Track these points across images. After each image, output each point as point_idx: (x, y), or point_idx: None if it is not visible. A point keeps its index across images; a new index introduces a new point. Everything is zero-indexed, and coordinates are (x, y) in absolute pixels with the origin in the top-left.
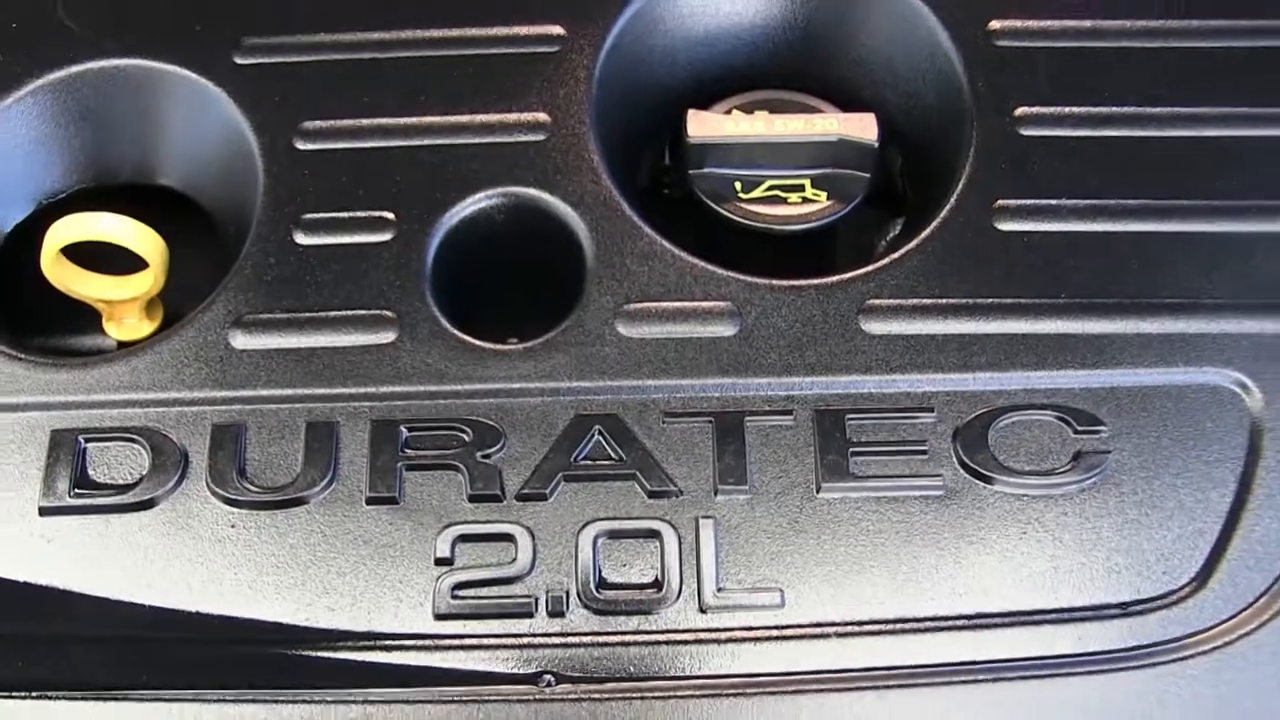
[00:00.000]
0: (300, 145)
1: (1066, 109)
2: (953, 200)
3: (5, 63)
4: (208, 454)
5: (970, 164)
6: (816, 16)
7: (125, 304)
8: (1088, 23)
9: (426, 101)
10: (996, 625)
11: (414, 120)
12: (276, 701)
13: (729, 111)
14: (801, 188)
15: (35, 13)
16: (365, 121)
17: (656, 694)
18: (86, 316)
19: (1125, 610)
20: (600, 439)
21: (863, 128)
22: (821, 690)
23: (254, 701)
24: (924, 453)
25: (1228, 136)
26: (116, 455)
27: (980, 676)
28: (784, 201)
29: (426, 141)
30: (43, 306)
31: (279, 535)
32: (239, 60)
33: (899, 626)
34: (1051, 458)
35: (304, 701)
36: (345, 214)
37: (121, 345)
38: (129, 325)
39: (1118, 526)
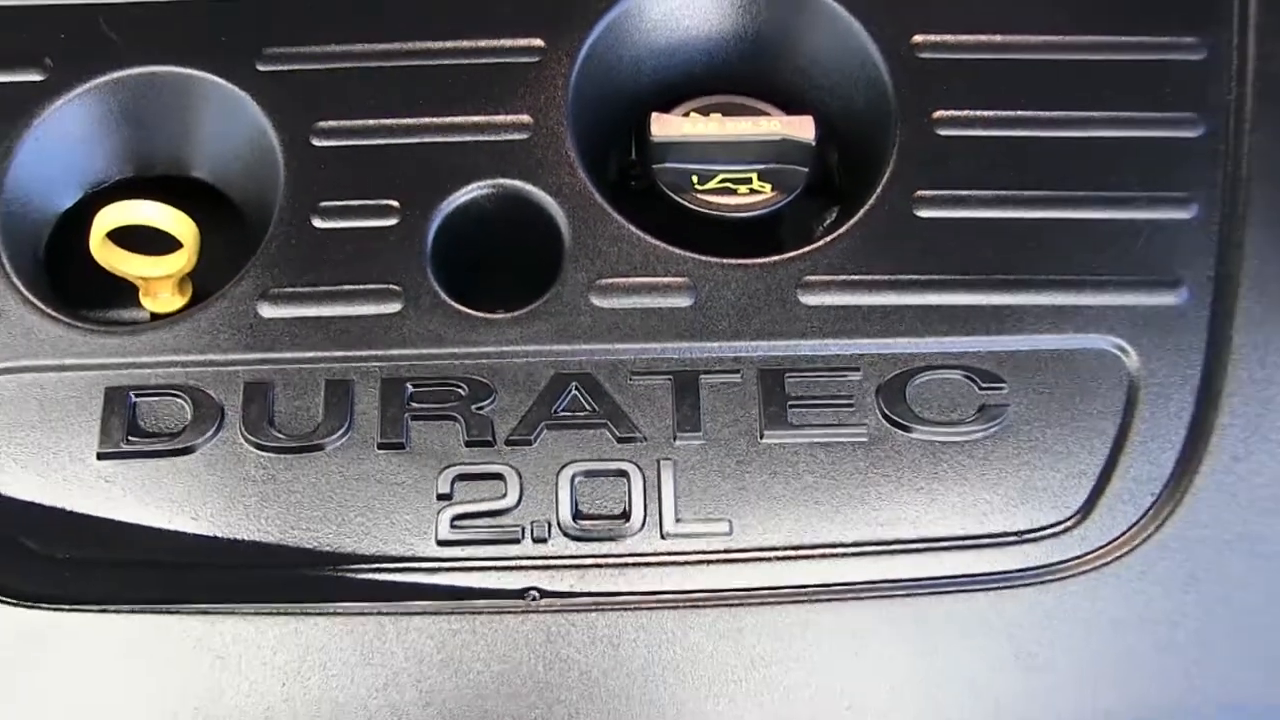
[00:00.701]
0: (316, 142)
1: (978, 113)
2: (879, 191)
3: (56, 69)
4: (241, 407)
5: (894, 160)
6: (764, 31)
7: (161, 280)
8: (998, 38)
9: (425, 104)
10: (912, 550)
11: (414, 120)
12: (304, 615)
13: (687, 114)
14: (749, 180)
15: (82, 25)
16: (372, 121)
17: (624, 606)
18: (125, 291)
19: (1021, 538)
20: (577, 394)
21: (802, 128)
22: (763, 604)
23: (284, 614)
24: (851, 405)
25: (1113, 137)
26: (162, 408)
27: (898, 592)
28: (734, 192)
29: (425, 139)
30: (85, 280)
31: (303, 475)
32: (261, 68)
33: (829, 551)
34: (959, 410)
35: (328, 614)
36: (356, 201)
37: (154, 317)
38: (163, 299)
39: (1015, 468)
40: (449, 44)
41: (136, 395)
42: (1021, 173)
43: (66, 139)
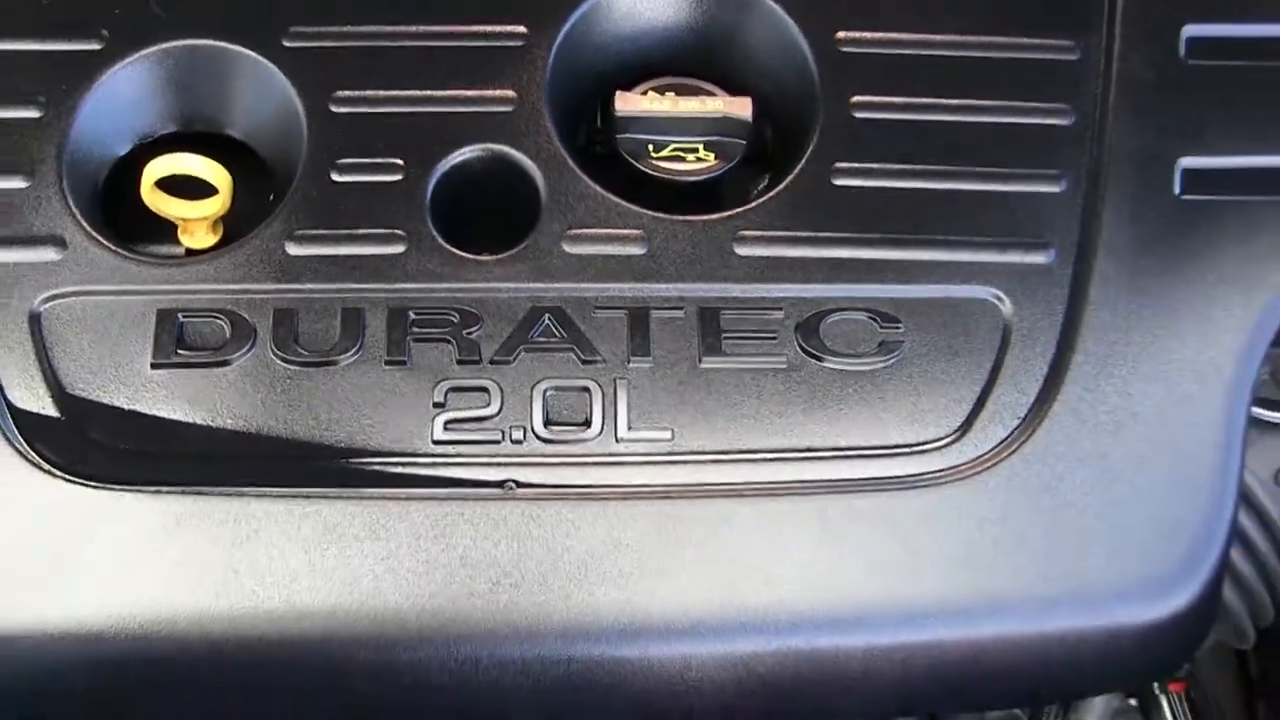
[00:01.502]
0: (334, 109)
1: (888, 98)
2: (803, 162)
3: (111, 40)
4: (271, 329)
5: (817, 136)
6: (712, 24)
7: (198, 221)
8: (908, 35)
9: (426, 78)
10: (821, 458)
11: (417, 92)
12: (323, 498)
13: (646, 93)
14: (696, 150)
15: (133, 2)
16: (381, 92)
17: (585, 497)
18: (165, 229)
19: (910, 450)
20: (549, 323)
21: (741, 108)
22: (698, 498)
23: (306, 498)
24: (774, 338)
25: (1000, 122)
26: (206, 328)
27: (808, 491)
28: (683, 159)
29: (426, 109)
30: (131, 218)
31: (322, 386)
32: (287, 44)
33: (752, 456)
34: (863, 344)
35: (343, 498)
36: (367, 160)
37: (189, 252)
38: (198, 237)
39: (907, 392)
40: (447, 28)
41: (184, 316)
42: (922, 150)
43: (120, 99)
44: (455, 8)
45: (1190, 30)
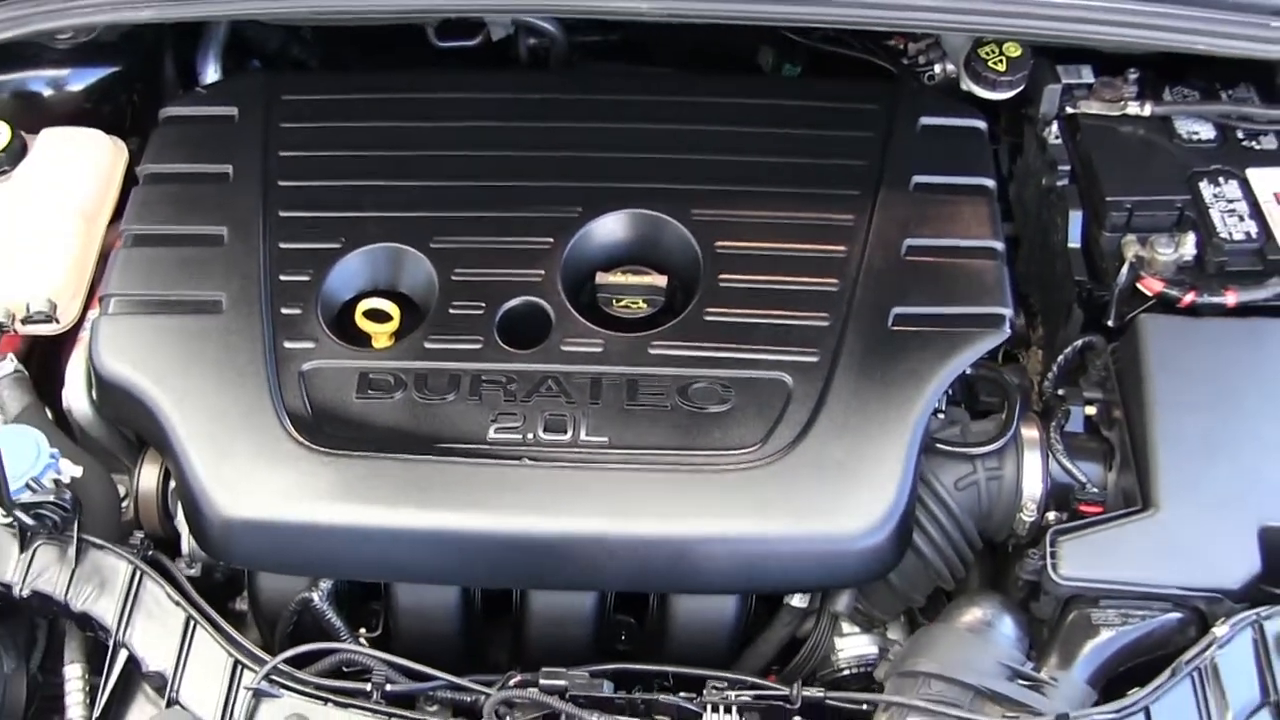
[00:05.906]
0: (453, 279)
1: (739, 275)
2: (690, 308)
3: (345, 242)
4: (414, 384)
5: (700, 295)
6: (649, 240)
7: (382, 334)
8: (753, 244)
9: (498, 264)
10: (684, 452)
11: (494, 270)
12: (434, 462)
13: (614, 272)
14: (637, 301)
15: (357, 225)
16: (476, 270)
17: (563, 466)
18: (365, 337)
19: (732, 450)
20: (550, 384)
21: (661, 281)
22: (621, 469)
23: (426, 461)
24: (664, 394)
25: (798, 288)
26: (382, 381)
27: (676, 469)
28: (630, 307)
29: (498, 279)
30: (350, 330)
31: (439, 409)
32: (433, 245)
33: (649, 451)
34: (711, 398)
35: (443, 463)
36: (468, 303)
37: (377, 349)
38: (381, 341)
39: (732, 423)
40: (510, 239)
41: (372, 375)
42: (754, 301)
43: (348, 272)
44: (513, 229)
45: (910, 241)
